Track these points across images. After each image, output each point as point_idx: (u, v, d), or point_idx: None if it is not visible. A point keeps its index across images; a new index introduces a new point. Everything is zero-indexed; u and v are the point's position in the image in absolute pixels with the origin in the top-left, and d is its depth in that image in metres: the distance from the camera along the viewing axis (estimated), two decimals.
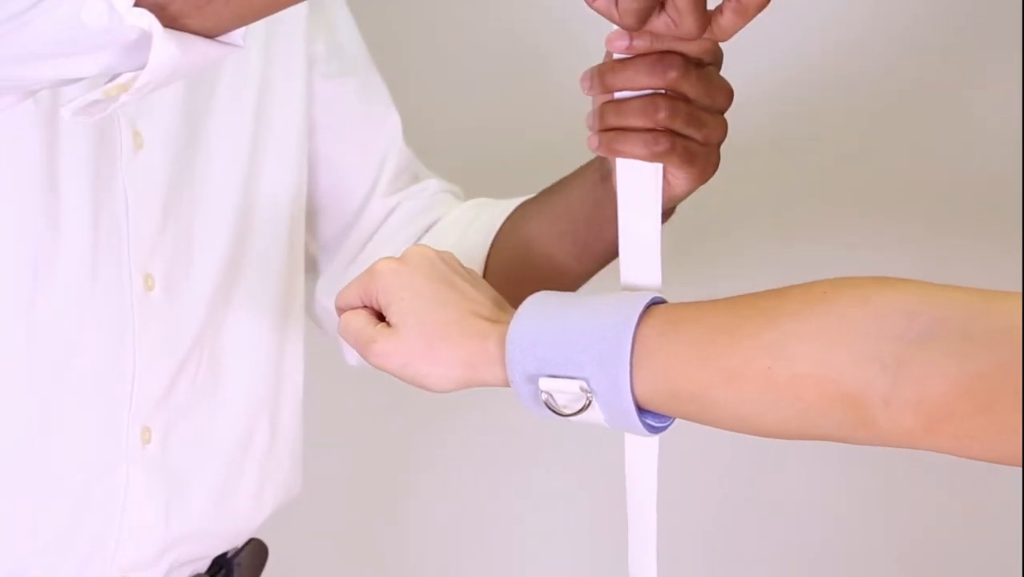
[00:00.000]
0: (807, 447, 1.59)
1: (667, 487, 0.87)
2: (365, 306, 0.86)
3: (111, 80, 0.80)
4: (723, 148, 0.92)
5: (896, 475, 1.66)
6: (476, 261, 1.13)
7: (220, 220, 1.11)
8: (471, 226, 1.16)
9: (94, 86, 0.81)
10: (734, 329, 0.74)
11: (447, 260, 0.87)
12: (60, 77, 0.81)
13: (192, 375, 1.10)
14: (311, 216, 1.21)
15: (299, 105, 1.16)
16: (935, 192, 1.61)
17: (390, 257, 0.86)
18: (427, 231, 1.19)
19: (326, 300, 1.21)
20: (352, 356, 1.20)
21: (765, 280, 0.80)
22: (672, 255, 0.87)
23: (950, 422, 0.67)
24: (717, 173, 0.92)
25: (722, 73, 0.90)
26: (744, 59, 0.92)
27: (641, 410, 0.77)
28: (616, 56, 0.86)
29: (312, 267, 1.23)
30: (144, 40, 0.76)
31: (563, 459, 1.77)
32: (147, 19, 0.75)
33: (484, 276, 1.12)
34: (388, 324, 0.84)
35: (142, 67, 0.77)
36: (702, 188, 0.92)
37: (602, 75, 0.86)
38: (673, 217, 0.99)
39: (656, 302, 0.79)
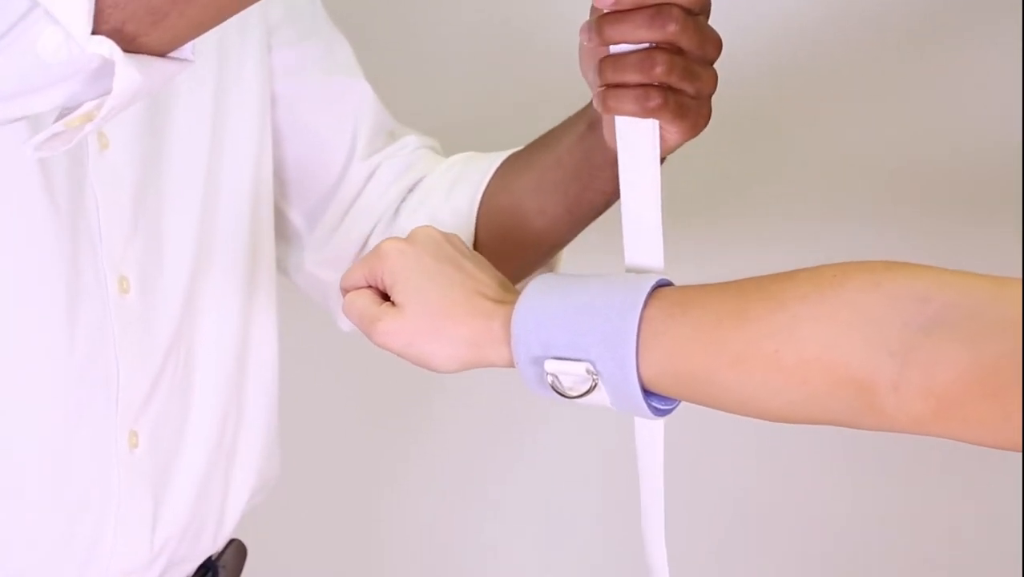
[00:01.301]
0: (817, 448, 1.61)
1: (677, 488, 0.87)
2: (370, 286, 0.86)
3: (69, 113, 0.78)
4: (726, 135, 0.92)
5: (902, 476, 1.66)
6: (465, 221, 1.12)
7: (187, 214, 1.09)
8: (457, 185, 1.14)
9: (56, 116, 0.79)
10: (742, 312, 0.73)
11: (453, 241, 0.87)
12: (27, 112, 0.80)
13: (171, 375, 1.09)
14: (290, 187, 1.19)
15: (257, 76, 1.13)
16: (936, 177, 1.61)
17: (396, 237, 0.86)
18: (410, 191, 1.17)
19: (312, 268, 1.20)
20: (346, 323, 1.17)
21: (769, 264, 0.80)
22: (674, 238, 0.86)
23: (958, 409, 0.66)
24: (722, 161, 0.92)
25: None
26: (743, 46, 0.92)
27: (647, 392, 0.77)
28: (606, 10, 0.84)
29: (296, 237, 1.20)
30: (106, 67, 0.75)
31: (552, 452, 1.77)
32: (107, 45, 0.74)
33: (474, 234, 1.11)
34: (393, 304, 0.84)
35: (106, 94, 0.76)
36: (706, 172, 0.92)
37: (601, 27, 0.85)
38: (678, 209, 0.98)
39: (662, 284, 0.79)
